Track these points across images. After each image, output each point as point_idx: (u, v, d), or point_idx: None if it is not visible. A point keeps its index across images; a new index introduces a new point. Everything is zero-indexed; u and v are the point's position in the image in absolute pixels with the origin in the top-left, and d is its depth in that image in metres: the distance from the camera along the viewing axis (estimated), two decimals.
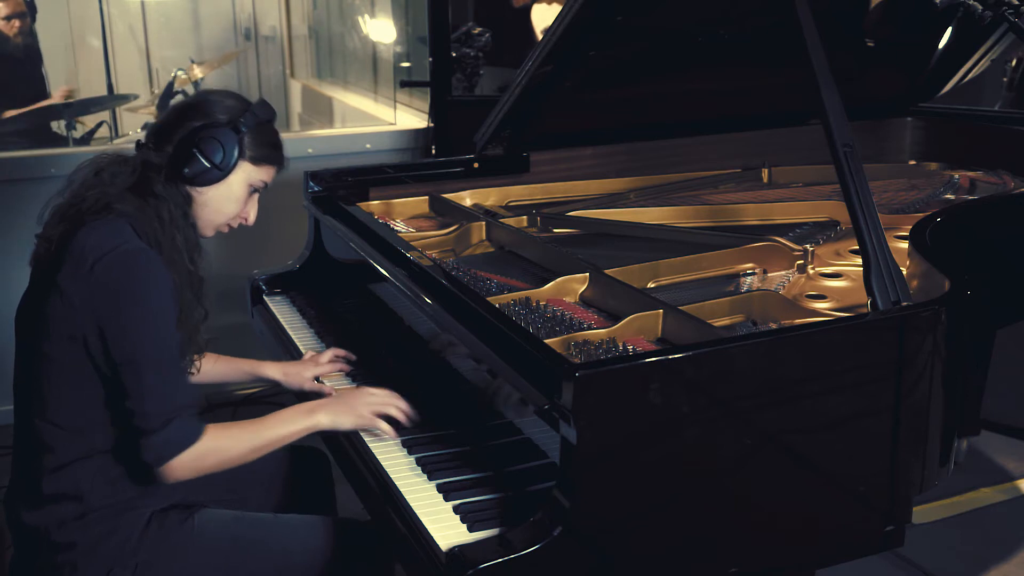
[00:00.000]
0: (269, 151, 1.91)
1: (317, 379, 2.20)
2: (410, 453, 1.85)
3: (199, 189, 1.85)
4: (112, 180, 1.81)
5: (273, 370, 2.24)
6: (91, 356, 1.72)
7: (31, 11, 4.73)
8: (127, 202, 1.78)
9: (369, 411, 1.89)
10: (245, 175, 1.89)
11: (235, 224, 1.95)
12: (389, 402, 1.91)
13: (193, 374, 2.02)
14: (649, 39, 2.74)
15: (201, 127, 1.83)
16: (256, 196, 1.95)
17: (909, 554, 2.87)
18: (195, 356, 1.96)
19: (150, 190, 1.81)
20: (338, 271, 2.63)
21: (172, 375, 1.73)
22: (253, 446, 1.80)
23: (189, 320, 1.84)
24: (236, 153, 1.85)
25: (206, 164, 1.82)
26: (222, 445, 1.76)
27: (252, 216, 1.96)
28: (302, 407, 1.90)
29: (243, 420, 1.83)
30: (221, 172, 1.84)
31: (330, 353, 2.24)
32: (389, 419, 1.90)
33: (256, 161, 1.89)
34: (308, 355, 2.27)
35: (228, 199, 1.89)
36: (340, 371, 2.22)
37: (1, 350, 2.20)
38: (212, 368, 2.20)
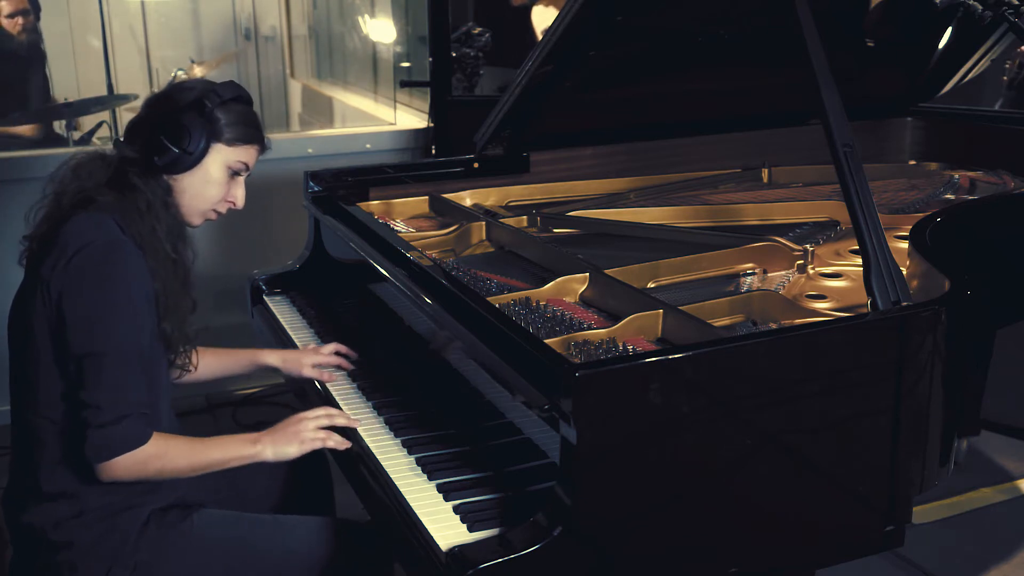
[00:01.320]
0: (243, 130, 1.89)
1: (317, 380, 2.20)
2: (410, 453, 1.85)
3: (175, 177, 1.85)
4: (90, 176, 1.82)
5: (272, 357, 2.24)
6: (64, 345, 1.72)
7: (35, 8, 4.73)
8: (105, 195, 1.79)
9: (311, 435, 1.88)
10: (222, 157, 1.87)
11: (223, 209, 1.94)
12: (324, 417, 1.91)
13: (191, 371, 2.02)
14: (649, 39, 2.74)
15: (166, 115, 1.83)
16: (241, 179, 1.93)
17: (909, 554, 2.87)
18: (186, 348, 1.95)
19: (127, 183, 1.81)
20: (338, 271, 2.63)
21: (132, 372, 1.72)
22: (194, 463, 1.79)
23: (177, 310, 1.84)
24: (204, 136, 1.83)
25: (175, 151, 1.82)
26: (167, 455, 1.74)
27: (240, 199, 1.94)
28: (248, 436, 1.86)
29: (188, 436, 1.82)
30: (191, 156, 1.83)
31: (332, 346, 2.24)
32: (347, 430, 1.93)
33: (231, 142, 1.87)
34: (310, 346, 2.27)
35: (207, 183, 1.88)
36: (339, 366, 2.22)
37: (2, 351, 2.20)
38: (213, 362, 2.19)
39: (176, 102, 1.85)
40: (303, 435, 1.87)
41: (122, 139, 1.88)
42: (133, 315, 1.72)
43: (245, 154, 1.91)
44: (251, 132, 1.91)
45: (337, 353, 2.24)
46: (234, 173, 1.91)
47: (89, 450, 1.69)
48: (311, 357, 2.21)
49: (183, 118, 1.82)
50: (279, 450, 1.85)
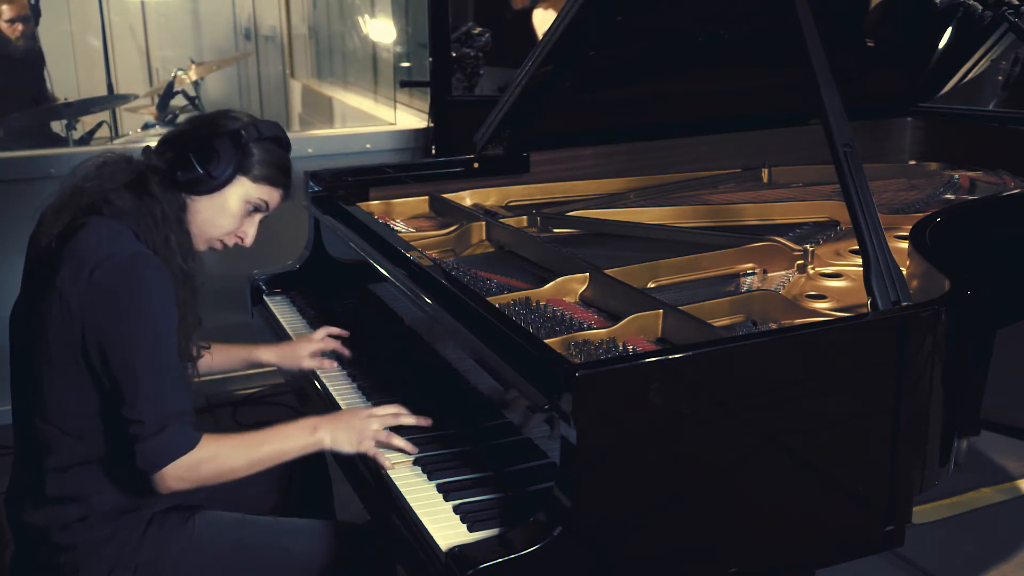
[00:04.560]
0: (272, 171, 1.89)
1: (315, 376, 2.20)
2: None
3: (193, 197, 1.85)
4: (112, 176, 1.81)
5: (269, 354, 2.24)
6: (88, 362, 1.71)
7: (35, 14, 4.75)
8: (123, 198, 1.78)
9: (372, 441, 1.83)
10: (243, 191, 1.87)
11: (230, 242, 1.93)
12: (391, 417, 1.86)
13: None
14: (649, 39, 2.74)
15: (202, 135, 1.84)
16: (256, 216, 1.93)
17: (909, 554, 2.87)
18: (188, 363, 1.92)
19: (146, 189, 1.80)
20: (338, 271, 2.63)
21: (169, 382, 1.70)
22: (251, 459, 1.76)
23: (185, 321, 1.83)
24: (231, 166, 1.83)
25: (199, 171, 1.82)
26: (219, 454, 1.72)
27: (249, 237, 1.93)
28: (305, 424, 1.83)
29: (242, 432, 1.80)
30: (213, 181, 1.83)
31: (323, 331, 2.24)
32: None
33: (257, 179, 1.87)
34: (300, 336, 2.27)
35: (222, 212, 1.87)
36: (338, 359, 2.22)
37: (2, 351, 2.19)
38: (209, 359, 2.18)
39: (216, 126, 1.85)
40: (366, 432, 1.83)
41: (154, 148, 1.88)
42: (163, 325, 1.71)
43: (268, 194, 1.90)
44: (279, 176, 1.91)
45: (328, 335, 2.24)
46: (253, 209, 1.91)
47: (141, 464, 1.67)
48: (306, 347, 2.21)
49: (217, 143, 1.83)
50: (337, 441, 1.82)
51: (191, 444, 1.69)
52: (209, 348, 2.15)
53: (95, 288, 1.68)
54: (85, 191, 1.79)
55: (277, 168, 1.90)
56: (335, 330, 2.25)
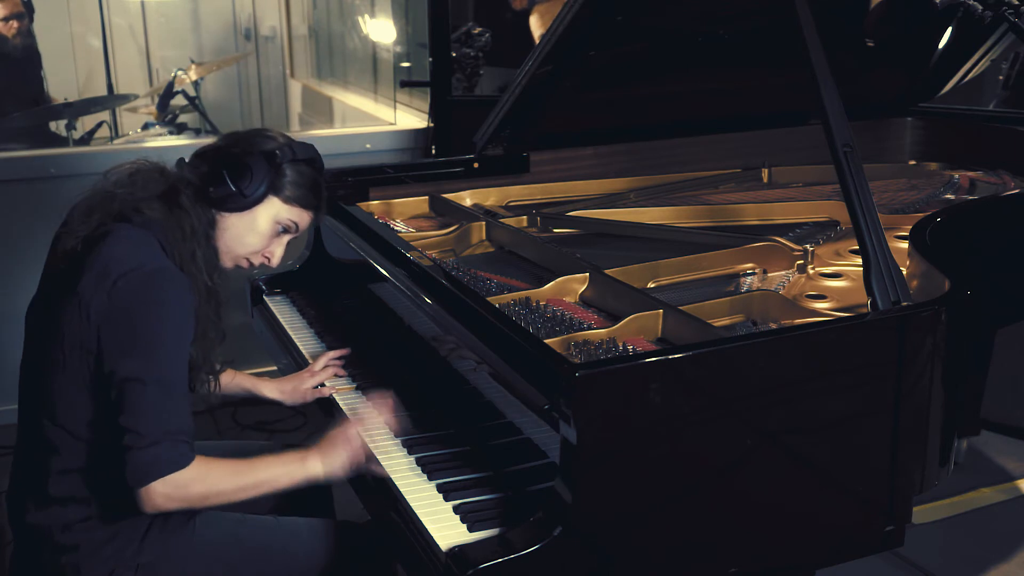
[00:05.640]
0: (304, 193, 1.88)
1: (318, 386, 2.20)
2: (410, 453, 1.85)
3: (223, 214, 1.84)
4: (144, 185, 1.81)
5: (271, 391, 2.22)
6: (100, 369, 1.70)
7: (29, 12, 4.75)
8: (153, 208, 1.78)
9: (364, 455, 1.83)
10: (273, 211, 1.87)
11: (256, 261, 1.93)
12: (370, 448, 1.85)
13: (211, 400, 2.01)
14: (649, 39, 2.74)
15: (237, 152, 1.84)
16: (285, 237, 1.92)
17: (909, 554, 2.87)
18: (207, 379, 1.92)
19: (176, 201, 1.80)
20: (338, 271, 2.63)
21: (173, 398, 1.68)
22: (241, 484, 1.74)
23: (205, 337, 1.83)
24: (264, 185, 1.83)
25: (231, 188, 1.82)
26: (208, 477, 1.69)
27: (276, 257, 1.93)
28: (296, 455, 1.81)
29: (234, 459, 1.77)
30: (245, 199, 1.83)
31: (323, 359, 2.23)
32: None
33: (288, 200, 1.87)
34: (296, 375, 2.25)
35: (251, 231, 1.87)
36: (336, 375, 2.22)
37: (1, 351, 2.19)
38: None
39: (251, 144, 1.85)
40: (356, 456, 1.81)
41: (188, 160, 1.88)
42: (177, 340, 1.70)
43: (298, 216, 1.90)
44: (311, 198, 1.90)
45: (329, 361, 2.23)
46: (282, 230, 1.91)
47: (129, 476, 1.64)
48: (308, 382, 2.20)
49: (251, 160, 1.82)
50: (332, 469, 1.79)
51: (183, 462, 1.66)
52: (232, 362, 2.14)
53: (116, 298, 1.68)
54: (116, 197, 1.79)
55: (309, 190, 1.90)
56: (335, 353, 2.25)
